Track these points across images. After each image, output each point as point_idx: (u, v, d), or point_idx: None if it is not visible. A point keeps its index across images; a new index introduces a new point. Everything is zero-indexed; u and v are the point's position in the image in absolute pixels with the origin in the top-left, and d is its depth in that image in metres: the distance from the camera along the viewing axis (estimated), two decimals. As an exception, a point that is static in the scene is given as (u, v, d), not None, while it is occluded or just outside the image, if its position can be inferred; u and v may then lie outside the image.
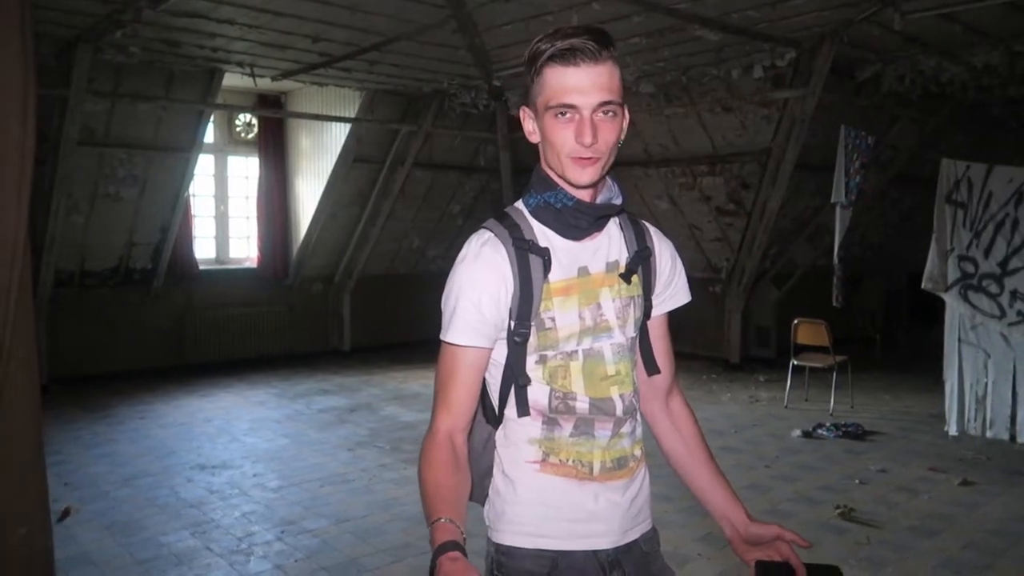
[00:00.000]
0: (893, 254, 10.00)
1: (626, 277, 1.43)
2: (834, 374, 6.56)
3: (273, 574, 3.58)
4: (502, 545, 1.41)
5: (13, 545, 1.94)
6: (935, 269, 5.33)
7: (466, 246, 1.39)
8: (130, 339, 8.03)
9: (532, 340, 1.37)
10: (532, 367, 1.39)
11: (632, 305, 1.44)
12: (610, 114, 1.31)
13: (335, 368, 8.69)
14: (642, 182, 8.70)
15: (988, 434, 5.32)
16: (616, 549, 1.42)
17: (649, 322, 1.52)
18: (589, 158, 1.32)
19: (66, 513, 4.26)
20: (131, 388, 7.47)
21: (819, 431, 5.92)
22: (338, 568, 3.63)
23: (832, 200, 6.46)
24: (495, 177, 9.87)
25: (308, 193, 8.95)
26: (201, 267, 8.61)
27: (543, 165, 1.41)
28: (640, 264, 1.45)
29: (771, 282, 8.82)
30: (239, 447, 5.70)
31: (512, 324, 1.36)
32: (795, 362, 6.72)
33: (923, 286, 5.43)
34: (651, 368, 1.53)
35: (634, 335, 1.46)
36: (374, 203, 9.07)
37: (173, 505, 4.47)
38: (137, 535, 4.02)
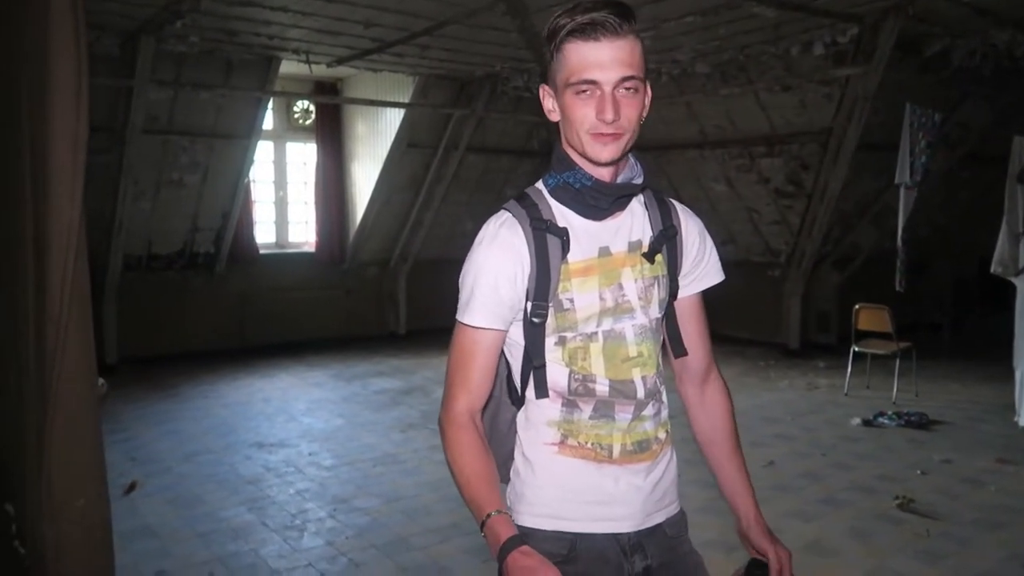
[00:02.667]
0: (963, 237, 9.58)
1: (649, 257, 1.40)
2: (897, 361, 6.35)
3: (325, 550, 3.68)
4: (522, 527, 1.40)
5: (72, 516, 2.03)
6: (1005, 252, 5.12)
7: (484, 228, 1.39)
8: (194, 321, 8.30)
9: (551, 321, 1.36)
10: (551, 348, 1.37)
11: (656, 285, 1.41)
12: (632, 90, 1.29)
13: (391, 351, 8.82)
14: (698, 164, 8.54)
15: (1061, 425, 5.09)
16: (638, 533, 1.41)
17: (677, 303, 1.49)
18: (611, 134, 1.29)
19: (132, 487, 4.45)
20: (195, 368, 7.73)
21: (880, 419, 5.74)
22: (387, 546, 3.71)
23: (896, 181, 6.23)
24: (548, 160, 9.80)
25: (364, 178, 9.07)
26: (261, 251, 8.86)
27: (563, 144, 1.39)
28: (664, 243, 1.42)
29: (832, 266, 8.57)
30: (296, 427, 5.85)
31: (529, 305, 1.35)
32: (856, 348, 6.54)
33: (992, 270, 5.22)
34: (677, 350, 1.50)
35: (659, 316, 1.43)
36: (428, 188, 9.14)
37: (232, 481, 4.63)
38: (197, 509, 4.18)
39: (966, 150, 8.20)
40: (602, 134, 1.30)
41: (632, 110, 1.30)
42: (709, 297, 1.56)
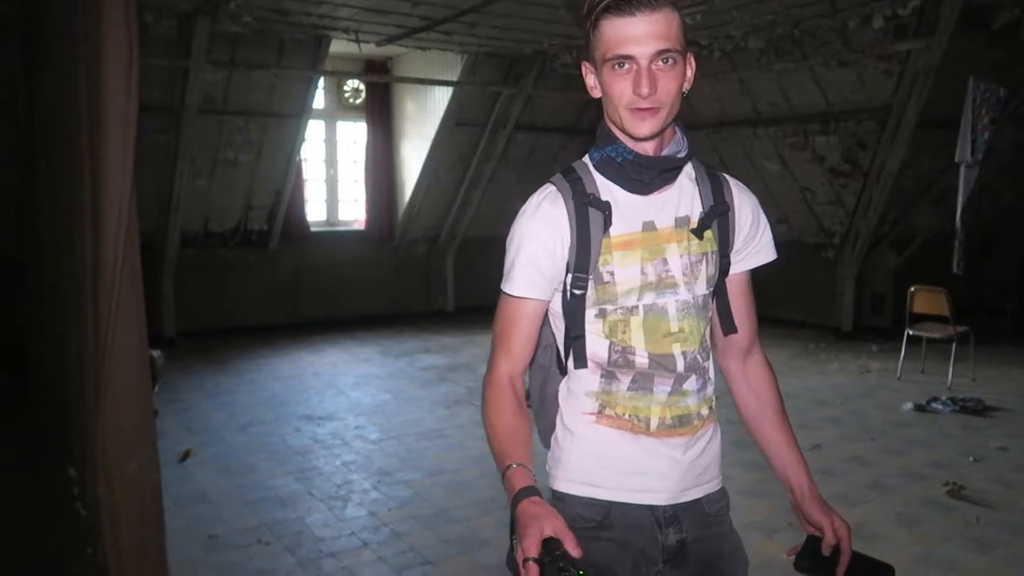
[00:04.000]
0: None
1: (698, 232, 1.40)
2: (953, 345, 6.16)
3: (367, 520, 3.77)
4: (557, 491, 1.44)
5: (127, 478, 2.13)
6: (1072, 234, 4.89)
7: (529, 200, 1.42)
8: (248, 296, 8.52)
9: (591, 294, 1.38)
10: (592, 320, 1.40)
11: (704, 261, 1.41)
12: (670, 62, 1.28)
13: (438, 328, 8.92)
14: (750, 143, 8.36)
15: None
16: (674, 506, 1.41)
17: (727, 279, 1.48)
18: (648, 109, 1.30)
19: (187, 455, 4.63)
20: (249, 342, 7.95)
21: (933, 405, 5.60)
22: (428, 518, 3.79)
23: (956, 159, 6.00)
24: (598, 139, 9.73)
25: (413, 156, 9.14)
26: (313, 229, 9.01)
27: (606, 119, 1.41)
28: (715, 219, 1.41)
29: (889, 247, 8.33)
30: (344, 400, 5.98)
31: (570, 277, 1.38)
32: (910, 332, 6.36)
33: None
34: (728, 327, 1.49)
35: (706, 292, 1.43)
36: (476, 166, 9.16)
37: (281, 452, 4.77)
38: (248, 477, 4.33)
39: (1035, 127, 7.86)
40: (639, 109, 1.30)
41: (670, 83, 1.29)
42: (760, 278, 1.54)
